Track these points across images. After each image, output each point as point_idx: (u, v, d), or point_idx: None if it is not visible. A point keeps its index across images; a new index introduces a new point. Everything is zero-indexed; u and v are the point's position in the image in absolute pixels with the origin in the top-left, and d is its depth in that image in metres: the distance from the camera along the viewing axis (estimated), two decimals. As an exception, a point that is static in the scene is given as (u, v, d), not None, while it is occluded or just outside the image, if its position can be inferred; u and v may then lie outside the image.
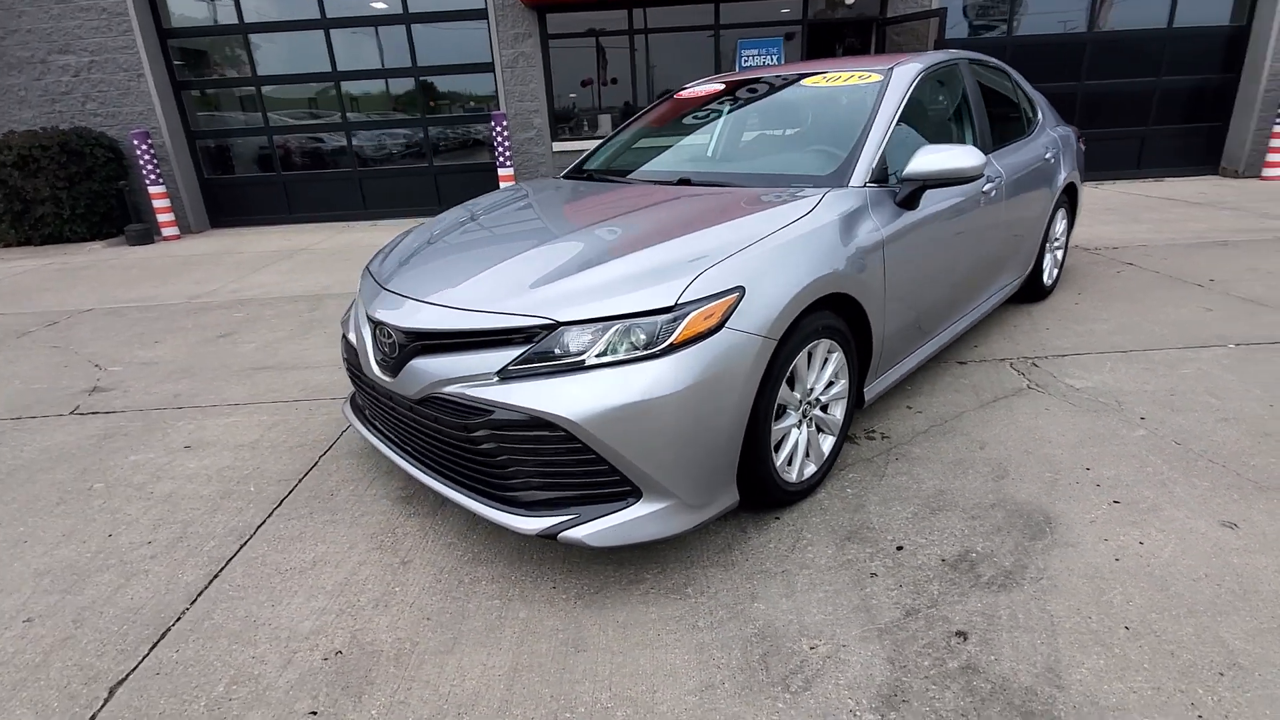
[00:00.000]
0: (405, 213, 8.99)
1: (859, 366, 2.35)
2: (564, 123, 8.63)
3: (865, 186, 2.32)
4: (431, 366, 1.89)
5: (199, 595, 1.93)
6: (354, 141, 8.76)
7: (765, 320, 1.82)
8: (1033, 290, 3.95)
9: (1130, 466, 2.31)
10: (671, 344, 1.70)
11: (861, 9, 7.98)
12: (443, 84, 8.54)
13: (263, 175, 8.92)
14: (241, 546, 2.14)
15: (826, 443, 2.27)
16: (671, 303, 1.72)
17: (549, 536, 1.74)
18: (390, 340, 2.01)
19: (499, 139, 7.81)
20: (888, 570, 1.88)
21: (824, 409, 2.22)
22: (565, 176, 3.29)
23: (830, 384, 2.20)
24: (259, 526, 2.25)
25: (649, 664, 1.61)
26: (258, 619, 1.82)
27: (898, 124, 2.57)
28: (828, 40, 8.65)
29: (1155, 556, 1.87)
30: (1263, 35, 8.15)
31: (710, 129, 3.12)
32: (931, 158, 2.31)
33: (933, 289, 2.65)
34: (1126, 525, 2.01)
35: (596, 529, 1.72)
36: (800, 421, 2.12)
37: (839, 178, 2.34)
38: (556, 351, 1.74)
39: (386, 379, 2.03)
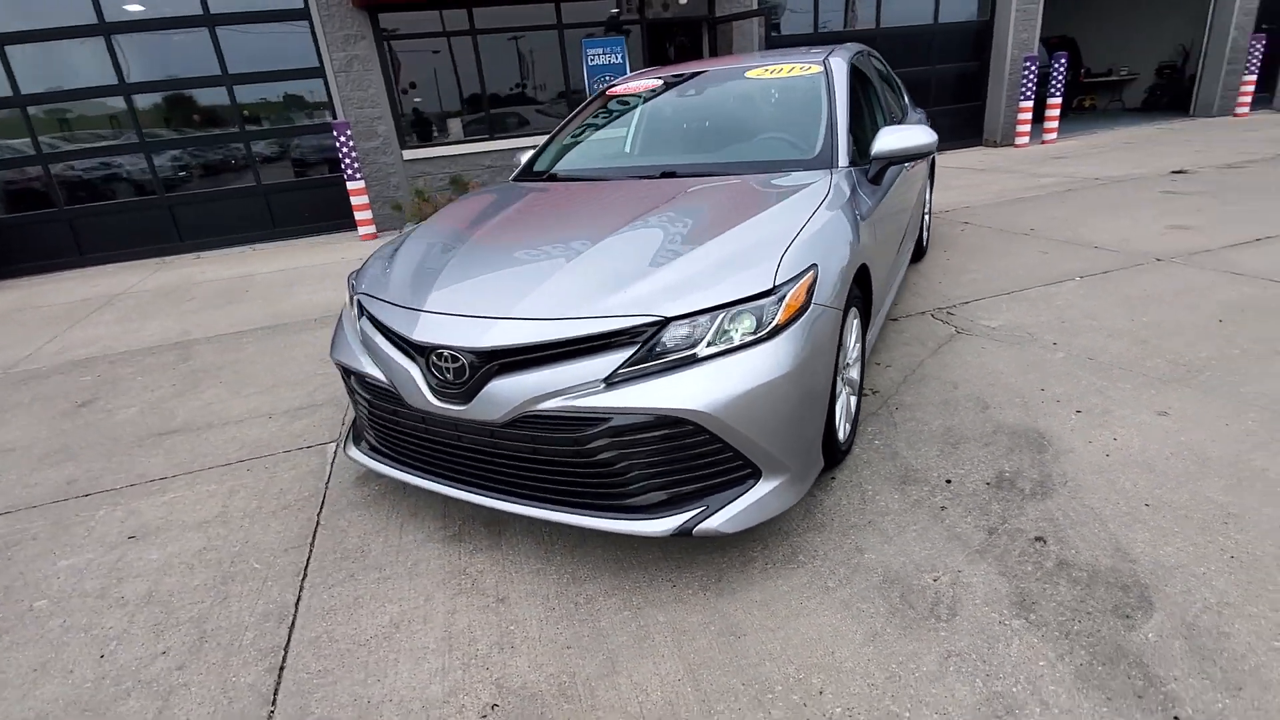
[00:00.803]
0: (236, 240, 7.91)
1: (863, 329, 2.59)
2: (414, 128, 8.13)
3: (850, 166, 2.55)
4: (519, 385, 1.77)
5: (275, 692, 1.65)
6: (156, 163, 7.51)
7: (834, 293, 1.95)
8: (917, 251, 4.54)
9: (1070, 383, 2.80)
10: (776, 325, 1.76)
11: (692, 9, 8.45)
12: (261, 92, 7.61)
13: (40, 213, 7.34)
14: (291, 629, 1.85)
15: (852, 402, 2.47)
16: (770, 285, 1.79)
17: (684, 533, 1.74)
18: (456, 364, 1.84)
19: (344, 150, 7.16)
20: (951, 501, 2.12)
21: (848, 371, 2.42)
22: (520, 180, 3.17)
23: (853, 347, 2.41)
24: (297, 603, 1.95)
25: (811, 630, 1.68)
26: (371, 699, 1.60)
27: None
28: (662, 39, 9.04)
29: (1130, 447, 2.31)
30: (1003, 27, 9.95)
31: (669, 122, 3.19)
32: (894, 137, 2.59)
33: (890, 253, 2.97)
34: (1097, 428, 2.44)
35: (729, 515, 1.75)
36: (842, 385, 2.30)
37: (827, 160, 2.54)
38: (669, 347, 1.72)
39: (454, 408, 1.86)
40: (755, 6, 8.52)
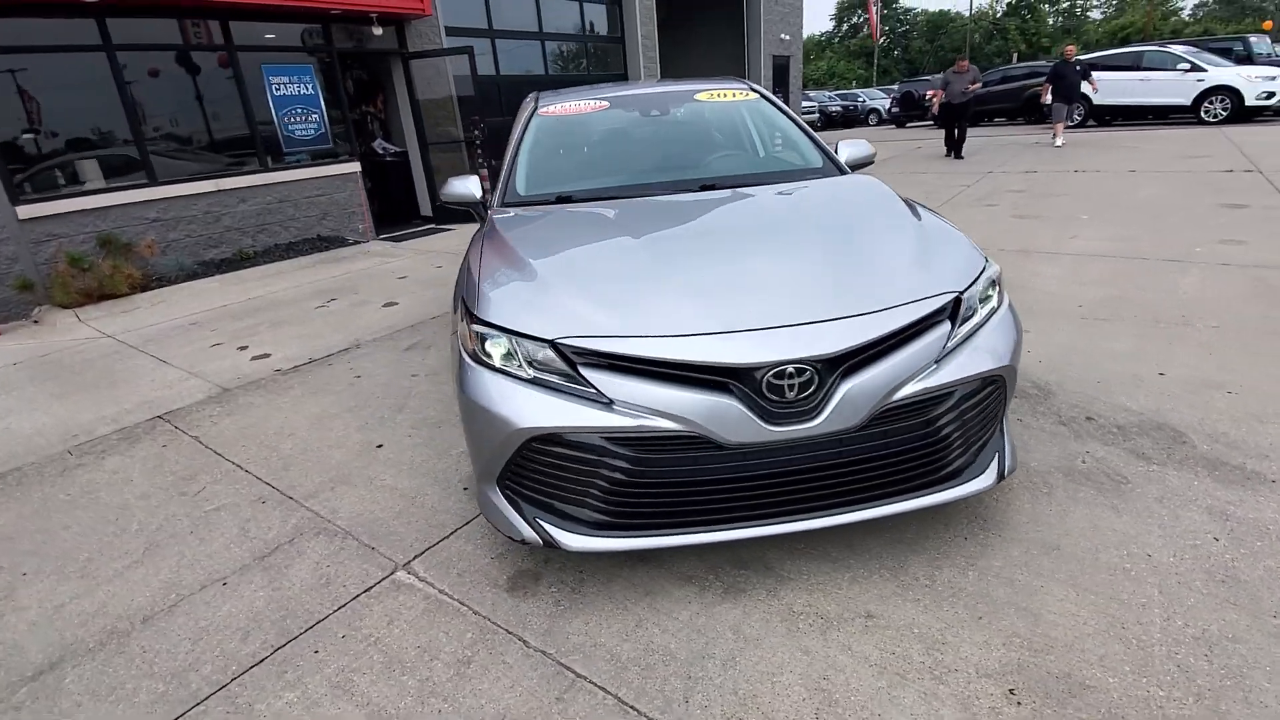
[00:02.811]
0: None
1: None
2: (31, 177, 5.61)
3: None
4: (871, 384, 1.74)
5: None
6: None
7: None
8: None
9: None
10: (1000, 290, 2.11)
11: (382, 41, 7.82)
12: None
13: None
14: None
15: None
16: (985, 260, 2.12)
17: (1000, 480, 1.95)
18: (804, 378, 1.69)
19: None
20: (1138, 475, 2.58)
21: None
22: (513, 204, 2.77)
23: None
24: None
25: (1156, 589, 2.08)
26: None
27: None
28: (351, 69, 8.15)
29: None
30: (632, 44, 11.78)
31: (650, 141, 3.15)
32: (855, 148, 3.15)
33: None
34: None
35: (1010, 454, 2.03)
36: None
37: (835, 166, 2.94)
38: (965, 318, 1.91)
39: (798, 427, 1.70)
40: (444, 45, 8.39)
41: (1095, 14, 70.89)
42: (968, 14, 66.14)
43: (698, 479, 1.77)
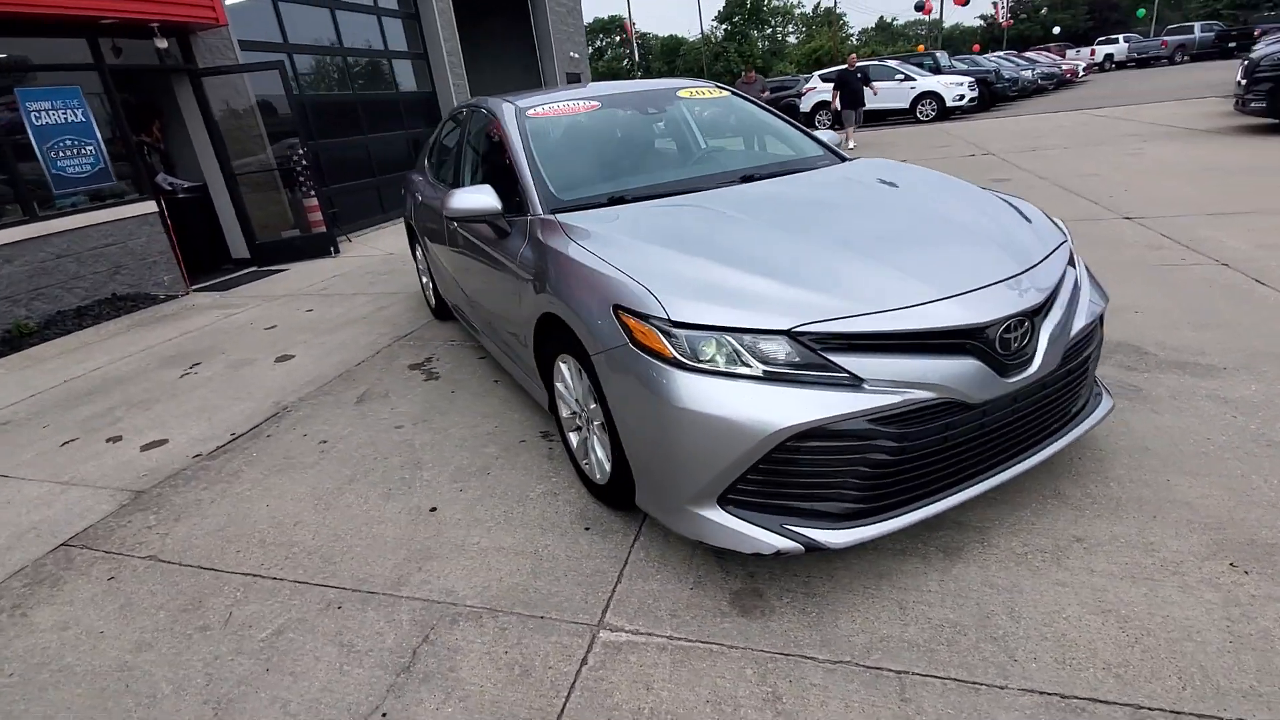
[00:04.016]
0: None
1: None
2: None
3: (841, 162, 3.21)
4: (1058, 328, 1.90)
5: None
6: None
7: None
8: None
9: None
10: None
11: (165, 58, 6.41)
12: None
13: None
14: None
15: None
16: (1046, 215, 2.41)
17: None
18: (1023, 328, 1.79)
19: None
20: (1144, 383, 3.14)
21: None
22: (560, 209, 2.50)
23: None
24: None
25: (1150, 423, 2.47)
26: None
27: None
28: (128, 88, 6.57)
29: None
30: (447, 98, 11.23)
31: (657, 139, 3.01)
32: (827, 135, 3.37)
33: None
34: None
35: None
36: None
37: (837, 155, 3.11)
38: (1073, 262, 2.17)
39: (1024, 374, 1.80)
40: (239, 61, 7.18)
41: (792, 39, 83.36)
42: (694, 38, 73.57)
43: (947, 444, 1.78)
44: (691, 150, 3.19)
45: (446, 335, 4.44)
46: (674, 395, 1.73)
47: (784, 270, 1.89)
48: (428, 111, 11.14)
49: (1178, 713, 1.45)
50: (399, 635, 1.89)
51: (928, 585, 1.87)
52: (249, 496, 2.73)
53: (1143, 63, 32.14)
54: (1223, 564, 1.82)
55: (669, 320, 1.78)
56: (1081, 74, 27.30)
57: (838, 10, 70.74)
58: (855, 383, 1.68)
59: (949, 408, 1.74)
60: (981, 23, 61.17)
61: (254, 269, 7.39)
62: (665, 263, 1.98)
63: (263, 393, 3.84)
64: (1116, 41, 33.50)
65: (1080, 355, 2.01)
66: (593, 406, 2.23)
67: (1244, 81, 8.94)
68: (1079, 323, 2.00)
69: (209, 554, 2.37)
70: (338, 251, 7.77)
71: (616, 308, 1.90)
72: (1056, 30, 47.60)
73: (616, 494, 2.24)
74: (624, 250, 2.10)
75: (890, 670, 1.62)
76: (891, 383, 1.69)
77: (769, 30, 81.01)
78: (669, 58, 71.99)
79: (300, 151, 7.34)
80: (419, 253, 4.81)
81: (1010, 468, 1.91)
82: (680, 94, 3.38)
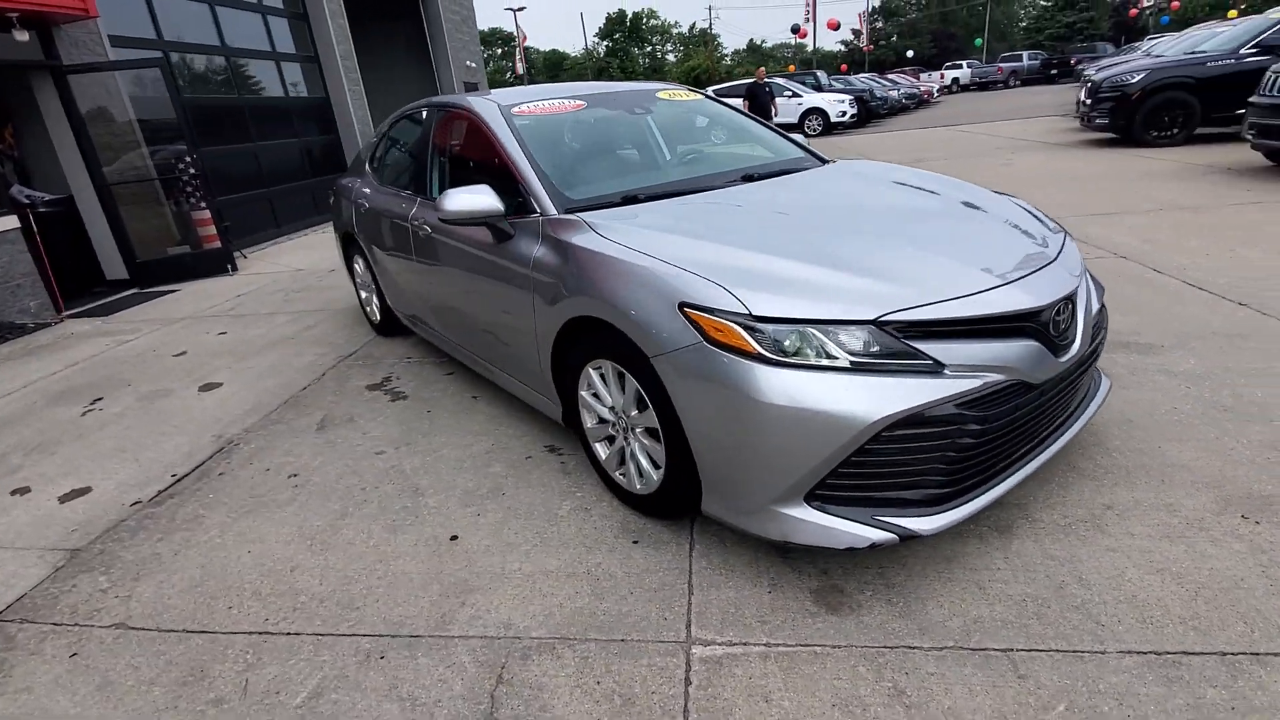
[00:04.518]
0: None
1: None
2: None
3: (821, 164, 3.29)
4: (1086, 309, 2.04)
5: None
6: None
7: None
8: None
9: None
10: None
11: (21, 51, 5.49)
12: None
13: None
14: None
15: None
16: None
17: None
18: (1068, 311, 1.90)
19: None
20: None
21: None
22: (574, 209, 2.38)
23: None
24: None
25: (1125, 398, 2.71)
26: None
27: None
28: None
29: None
30: (341, 103, 10.53)
31: (653, 140, 2.92)
32: (801, 138, 3.47)
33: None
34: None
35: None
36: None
37: (820, 158, 3.19)
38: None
39: (1070, 354, 1.92)
40: (110, 58, 6.33)
41: (671, 57, 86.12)
42: (577, 53, 74.18)
43: (1014, 424, 1.84)
44: (684, 150, 3.16)
45: (400, 352, 4.12)
46: (762, 392, 1.67)
47: (847, 262, 1.89)
48: (321, 118, 10.41)
49: (1256, 654, 1.57)
50: (467, 680, 1.69)
51: (994, 564, 1.92)
52: (221, 544, 2.36)
53: (983, 86, 36.06)
54: (1235, 517, 2.01)
55: (750, 315, 1.72)
56: (936, 95, 30.15)
57: (712, 31, 73.97)
58: (937, 369, 1.70)
59: (1017, 389, 1.81)
60: (843, 48, 66.21)
61: (136, 291, 6.51)
62: (721, 258, 1.93)
63: (195, 426, 3.37)
64: (961, 67, 37.37)
65: (1099, 335, 2.16)
66: (634, 413, 2.13)
67: (1089, 101, 10.19)
68: (1096, 301, 2.17)
69: (193, 615, 2.02)
70: (235, 269, 7.03)
71: (683, 305, 1.82)
72: (910, 54, 52.27)
73: (664, 503, 2.15)
74: (673, 246, 2.02)
75: (995, 650, 1.64)
76: (969, 367, 1.73)
77: (649, 48, 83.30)
78: (552, 72, 72.05)
79: (188, 160, 6.58)
80: (359, 265, 4.44)
81: (1055, 443, 2.02)
82: (660, 95, 3.35)
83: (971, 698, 1.52)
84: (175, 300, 6.14)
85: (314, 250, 8.11)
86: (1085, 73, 14.53)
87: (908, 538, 1.72)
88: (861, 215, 2.28)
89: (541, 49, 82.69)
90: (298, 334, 4.72)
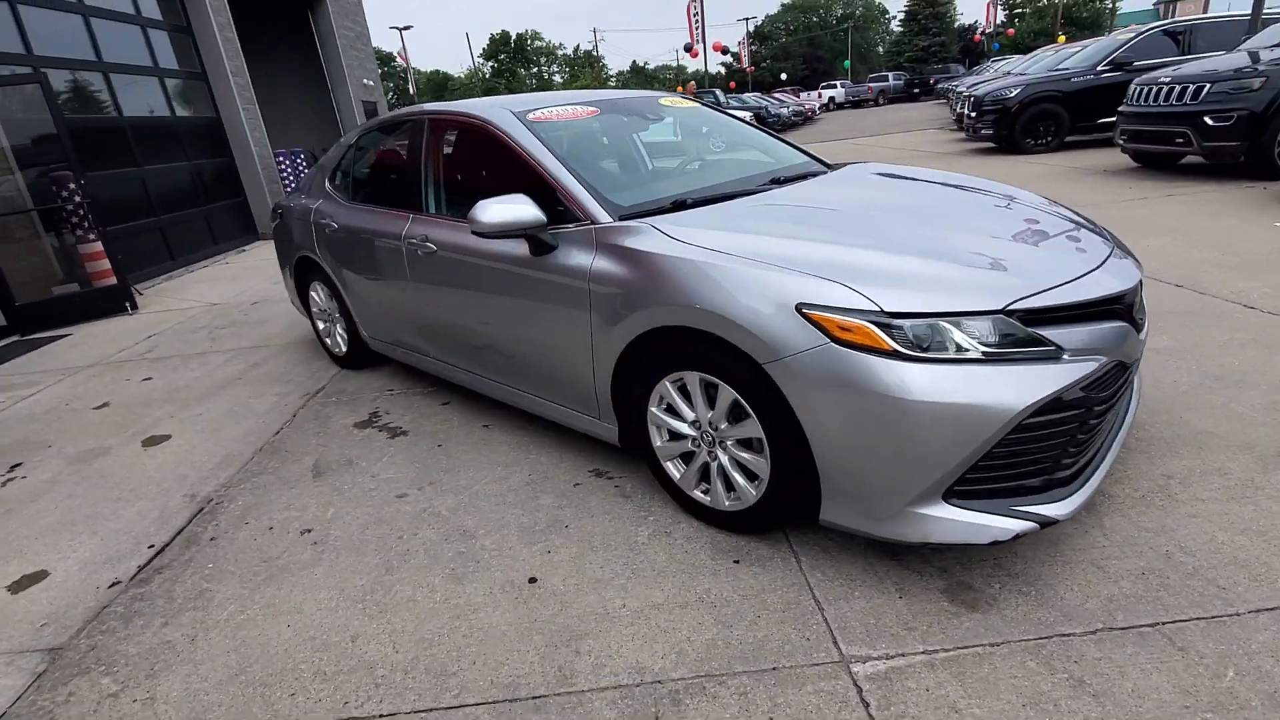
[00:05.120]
0: None
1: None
2: None
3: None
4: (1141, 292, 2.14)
5: None
6: None
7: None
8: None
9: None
10: None
11: None
12: None
13: None
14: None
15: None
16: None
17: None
18: (1140, 293, 1.99)
19: None
20: None
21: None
22: (628, 216, 2.25)
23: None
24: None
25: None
26: None
27: None
28: None
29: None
30: (235, 124, 9.66)
31: (677, 145, 2.82)
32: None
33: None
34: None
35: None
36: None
37: (824, 164, 3.22)
38: None
39: (1142, 334, 2.01)
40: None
41: (558, 78, 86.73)
42: (461, 73, 72.98)
43: (1114, 402, 1.90)
44: (704, 156, 3.09)
45: (377, 385, 3.76)
46: (904, 389, 1.62)
47: (949, 255, 1.89)
48: (214, 139, 9.51)
49: (1364, 596, 1.69)
50: (621, 736, 1.51)
51: (1098, 542, 1.97)
52: (248, 621, 2.00)
53: (856, 104, 38.83)
54: (1276, 474, 2.18)
55: (883, 311, 1.67)
56: (818, 112, 32.11)
57: (597, 53, 75.18)
58: (1058, 354, 1.72)
59: (1117, 369, 1.87)
60: (723, 70, 69.37)
61: (17, 339, 5.58)
62: (825, 256, 1.87)
63: (155, 487, 2.88)
64: (835, 86, 40.03)
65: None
66: (725, 426, 2.03)
67: (974, 114, 11.17)
68: None
69: (247, 711, 1.68)
70: (135, 308, 6.22)
71: (801, 306, 1.75)
72: (784, 76, 55.49)
73: (759, 518, 2.05)
74: (764, 246, 1.94)
75: (1144, 626, 1.66)
76: (1081, 350, 1.76)
77: (535, 69, 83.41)
78: (437, 93, 70.32)
79: (72, 186, 5.76)
80: (318, 293, 4.02)
81: (1129, 419, 2.11)
82: (662, 102, 3.28)
83: (1147, 677, 1.53)
84: (70, 346, 5.32)
85: (225, 282, 7.34)
86: (957, 89, 15.96)
87: (1047, 524, 1.71)
88: (921, 211, 2.30)
89: (423, 69, 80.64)
90: (244, 374, 4.21)
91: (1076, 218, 2.37)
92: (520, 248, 2.47)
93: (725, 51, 35.09)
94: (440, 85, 70.91)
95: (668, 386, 2.13)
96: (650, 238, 2.13)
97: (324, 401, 3.63)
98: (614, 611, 1.89)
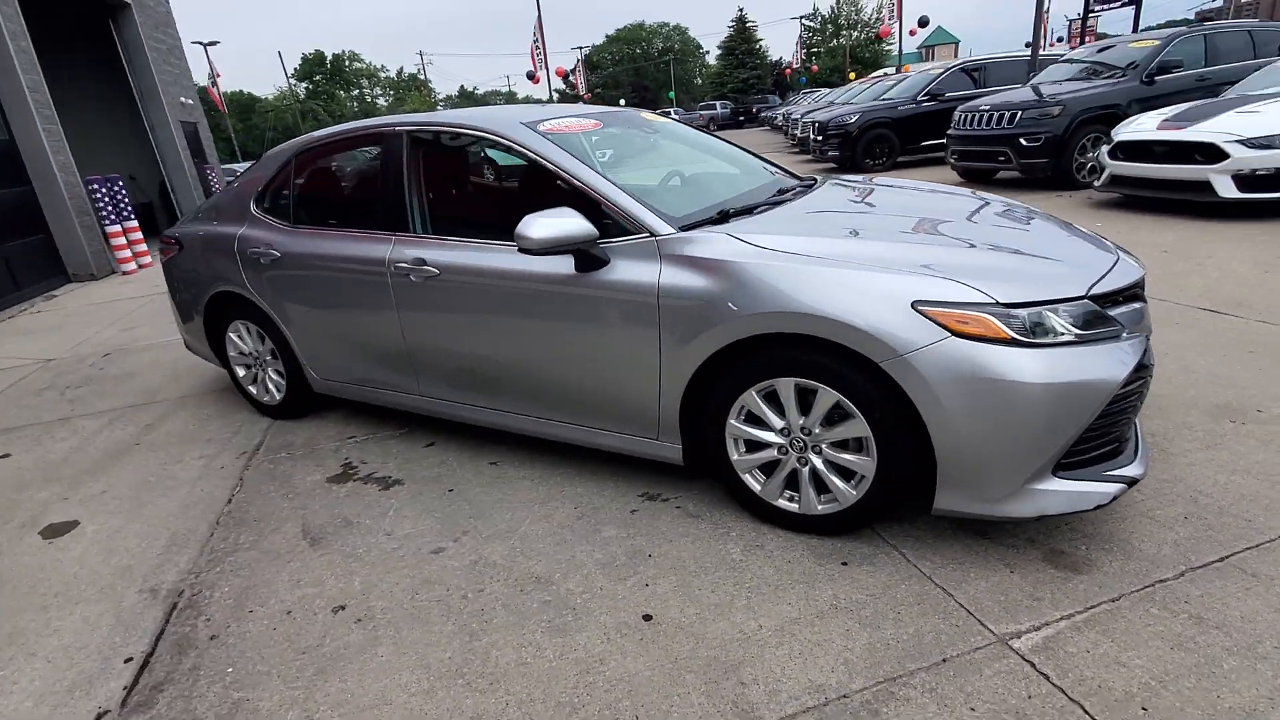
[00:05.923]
0: None
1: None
2: None
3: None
4: None
5: None
6: None
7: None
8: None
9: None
10: None
11: None
12: None
13: None
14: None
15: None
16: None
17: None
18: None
19: None
20: None
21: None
22: (687, 227, 2.20)
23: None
24: None
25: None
26: None
27: None
28: None
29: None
30: (36, 148, 8.04)
31: (687, 160, 2.79)
32: None
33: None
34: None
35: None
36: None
37: (799, 180, 3.36)
38: None
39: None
40: None
41: (382, 101, 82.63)
42: (271, 95, 67.10)
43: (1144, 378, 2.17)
44: (723, 170, 3.08)
45: (332, 433, 3.29)
46: (1026, 373, 1.74)
47: (1016, 250, 2.06)
48: (8, 163, 7.86)
49: (1344, 514, 2.07)
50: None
51: (1133, 496, 2.22)
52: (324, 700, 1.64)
53: (690, 130, 41.22)
54: (1225, 422, 2.61)
55: (998, 303, 1.78)
56: (658, 137, 33.56)
57: (425, 77, 72.94)
58: (1121, 331, 1.94)
59: (1149, 346, 2.14)
60: (557, 96, 70.48)
61: None
62: (914, 256, 1.96)
63: (90, 587, 2.28)
64: (670, 114, 42.17)
65: None
66: (819, 430, 2.04)
67: (820, 137, 12.34)
68: None
69: (389, 828, 1.37)
70: (-71, 373, 4.92)
71: (916, 304, 1.81)
72: (623, 103, 57.53)
73: (854, 518, 2.09)
74: (854, 248, 1.99)
75: (1215, 561, 1.91)
76: (1129, 329, 2.00)
77: (356, 91, 78.83)
78: (243, 115, 63.84)
79: None
80: (239, 335, 3.44)
81: None
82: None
83: (1244, 603, 1.75)
84: None
85: (47, 333, 6.05)
86: (791, 116, 17.45)
87: (1133, 483, 1.92)
88: (956, 214, 2.48)
89: (225, 90, 72.88)
90: (140, 437, 3.48)
91: (1054, 217, 2.70)
92: (559, 265, 2.31)
93: (566, 79, 35.59)
94: (247, 108, 64.49)
95: (754, 396, 2.10)
96: (729, 245, 2.09)
97: (272, 459, 3.10)
98: (753, 634, 1.81)
